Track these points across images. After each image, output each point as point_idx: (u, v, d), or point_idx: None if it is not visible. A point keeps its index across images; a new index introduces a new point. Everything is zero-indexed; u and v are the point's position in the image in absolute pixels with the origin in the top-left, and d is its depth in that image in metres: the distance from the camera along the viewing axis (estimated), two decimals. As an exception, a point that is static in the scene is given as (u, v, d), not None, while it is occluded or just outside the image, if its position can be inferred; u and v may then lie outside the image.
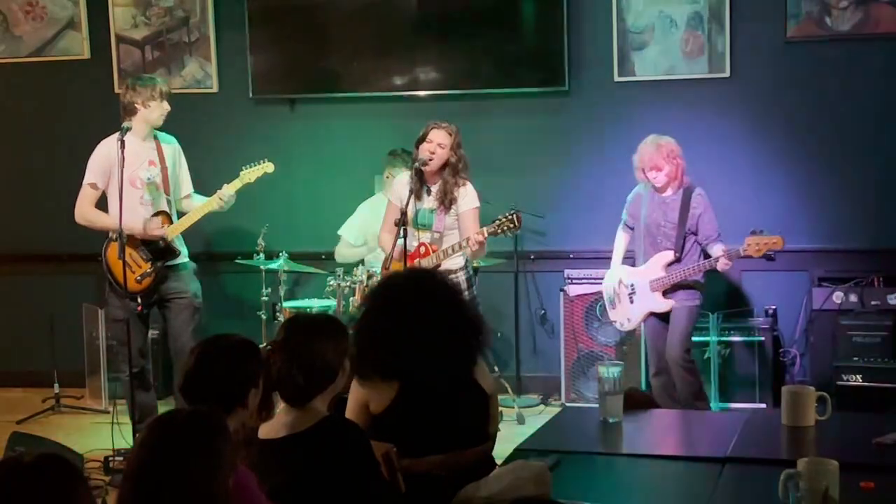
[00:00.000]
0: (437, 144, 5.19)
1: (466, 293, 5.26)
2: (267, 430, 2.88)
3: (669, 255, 5.33)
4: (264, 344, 3.72)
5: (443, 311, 3.27)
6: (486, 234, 5.02)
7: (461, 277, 5.23)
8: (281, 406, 2.95)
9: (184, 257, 5.50)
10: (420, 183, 5.24)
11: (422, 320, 3.21)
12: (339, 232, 6.39)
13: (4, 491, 1.99)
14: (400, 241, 5.00)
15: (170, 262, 5.41)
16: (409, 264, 5.03)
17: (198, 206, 5.53)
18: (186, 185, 5.60)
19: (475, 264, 5.54)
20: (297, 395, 2.89)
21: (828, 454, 2.74)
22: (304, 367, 2.89)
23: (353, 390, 3.20)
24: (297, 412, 2.88)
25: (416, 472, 3.07)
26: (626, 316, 5.57)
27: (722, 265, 5.19)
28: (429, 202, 5.24)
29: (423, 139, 5.23)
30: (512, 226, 5.00)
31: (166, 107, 5.37)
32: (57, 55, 7.11)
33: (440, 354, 3.19)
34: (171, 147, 5.52)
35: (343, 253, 6.37)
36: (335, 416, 2.98)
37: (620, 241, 5.68)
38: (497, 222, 5.01)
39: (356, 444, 2.84)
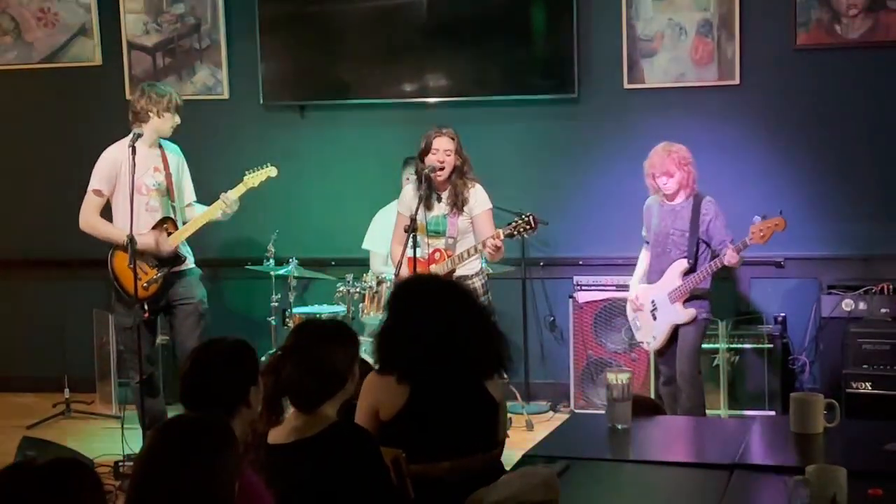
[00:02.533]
0: (444, 152, 5.14)
1: (483, 299, 5.24)
2: (276, 435, 2.90)
3: (684, 264, 5.29)
4: (274, 350, 3.72)
5: (459, 317, 3.28)
6: (502, 236, 4.99)
7: (477, 283, 5.19)
8: (290, 411, 2.96)
9: (190, 263, 5.51)
10: (429, 191, 5.20)
11: (438, 323, 3.23)
12: (365, 246, 6.27)
13: (19, 494, 2.00)
14: (410, 250, 4.98)
15: (176, 269, 5.42)
16: (423, 271, 5.00)
17: (201, 212, 5.54)
18: (189, 192, 5.61)
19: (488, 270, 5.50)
20: (306, 401, 2.90)
21: (836, 461, 2.74)
22: (312, 372, 2.90)
23: (362, 396, 3.21)
24: (306, 417, 2.89)
25: (424, 477, 3.09)
26: (652, 333, 5.46)
27: (729, 258, 5.12)
28: (440, 209, 5.20)
29: (427, 150, 5.15)
30: (528, 227, 4.95)
31: (178, 120, 5.41)
32: (68, 61, 7.13)
33: (451, 360, 3.20)
34: (175, 154, 5.54)
35: (378, 268, 6.05)
36: (344, 422, 2.99)
37: (642, 260, 5.58)
38: (513, 224, 4.97)
39: (365, 449, 2.85)
